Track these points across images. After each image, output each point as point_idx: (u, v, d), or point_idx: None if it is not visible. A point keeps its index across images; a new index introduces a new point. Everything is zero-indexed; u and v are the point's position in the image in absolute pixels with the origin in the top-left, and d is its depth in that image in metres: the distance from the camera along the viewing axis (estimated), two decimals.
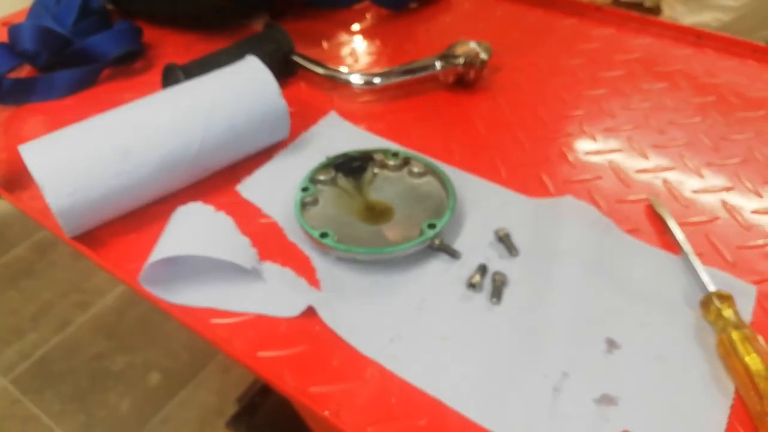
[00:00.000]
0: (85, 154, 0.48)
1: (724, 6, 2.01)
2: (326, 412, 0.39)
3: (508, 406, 0.40)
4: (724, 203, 0.55)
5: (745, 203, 0.55)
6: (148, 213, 0.53)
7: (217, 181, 0.56)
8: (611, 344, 0.43)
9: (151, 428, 1.18)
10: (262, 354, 0.43)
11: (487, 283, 0.48)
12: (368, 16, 0.86)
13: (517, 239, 0.51)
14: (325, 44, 0.79)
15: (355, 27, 0.84)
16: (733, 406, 0.40)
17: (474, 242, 0.51)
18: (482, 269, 0.48)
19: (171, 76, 0.62)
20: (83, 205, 0.47)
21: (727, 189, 0.56)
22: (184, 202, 0.52)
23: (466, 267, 0.49)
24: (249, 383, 1.14)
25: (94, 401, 1.22)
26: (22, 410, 1.21)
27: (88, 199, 0.47)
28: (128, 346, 1.31)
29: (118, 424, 1.18)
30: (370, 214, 0.52)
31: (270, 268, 0.48)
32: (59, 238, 0.51)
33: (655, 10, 2.22)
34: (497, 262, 0.49)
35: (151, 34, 0.80)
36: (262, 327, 0.45)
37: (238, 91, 0.54)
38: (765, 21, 2.02)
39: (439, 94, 0.69)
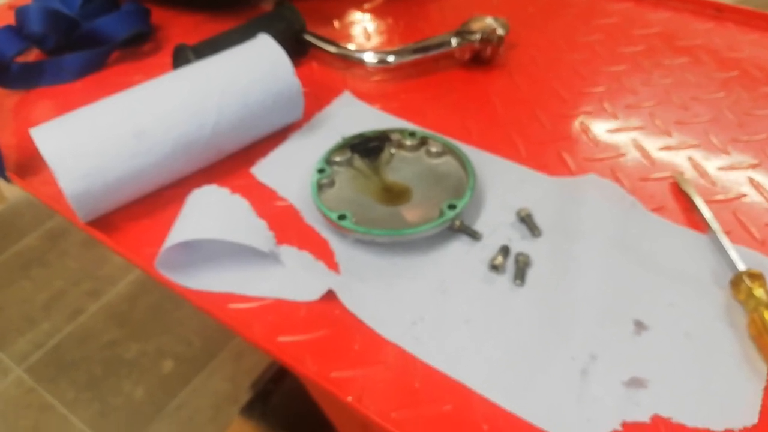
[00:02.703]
0: (98, 137, 0.47)
1: None
2: (349, 398, 0.38)
3: (534, 390, 0.39)
4: (751, 180, 0.53)
5: None
6: (163, 196, 0.52)
7: (231, 163, 0.55)
8: (639, 325, 0.42)
9: (166, 415, 1.18)
10: (282, 339, 0.42)
11: (510, 264, 0.46)
12: None
13: (539, 219, 0.49)
14: (336, 23, 0.77)
15: (367, 5, 0.82)
16: (766, 388, 0.39)
17: (495, 223, 0.50)
18: (504, 250, 0.47)
19: (181, 57, 0.61)
20: (97, 189, 0.46)
21: (754, 166, 0.55)
22: (198, 185, 0.51)
23: (487, 248, 0.48)
24: (262, 369, 1.14)
25: (108, 389, 1.22)
26: (37, 399, 1.22)
27: (102, 183, 0.46)
28: (141, 333, 1.31)
29: (133, 411, 1.19)
30: (388, 196, 0.51)
31: (288, 251, 0.47)
32: (72, 225, 0.50)
33: None
34: (519, 243, 0.48)
35: (159, 15, 0.78)
36: (282, 311, 0.44)
37: (251, 69, 0.52)
38: None
39: (454, 71, 0.68)
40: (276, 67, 0.53)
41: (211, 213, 0.47)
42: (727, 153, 0.56)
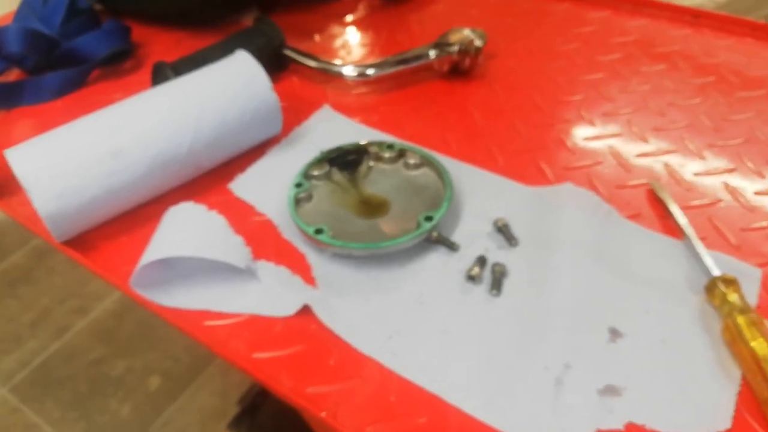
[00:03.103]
0: (73, 156, 0.47)
1: None
2: (323, 413, 0.38)
3: (509, 400, 0.39)
4: (727, 185, 0.54)
5: (748, 184, 0.54)
6: (140, 214, 0.52)
7: (209, 179, 0.55)
8: (614, 333, 0.42)
9: None
10: (257, 355, 0.42)
11: (487, 274, 0.47)
12: (360, 6, 0.85)
13: (516, 229, 0.50)
14: (317, 37, 0.78)
15: (347, 18, 0.82)
16: (740, 393, 0.39)
17: (472, 233, 0.50)
18: (481, 261, 0.47)
19: (160, 75, 0.61)
20: (72, 209, 0.46)
21: (730, 171, 0.55)
22: (176, 202, 0.51)
23: (465, 259, 0.48)
24: (250, 384, 1.13)
25: (94, 407, 1.21)
26: (22, 419, 1.20)
27: (77, 202, 0.46)
28: (127, 350, 1.30)
29: (119, 429, 1.17)
30: (366, 208, 0.51)
31: (264, 266, 0.47)
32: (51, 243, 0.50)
33: None
34: (496, 253, 0.48)
35: (140, 32, 0.79)
36: (258, 327, 0.44)
37: (229, 86, 0.52)
38: (762, 0, 2.01)
39: (434, 83, 0.68)
40: (253, 83, 0.53)
41: (187, 230, 0.46)
42: (703, 158, 0.57)
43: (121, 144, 0.47)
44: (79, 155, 0.46)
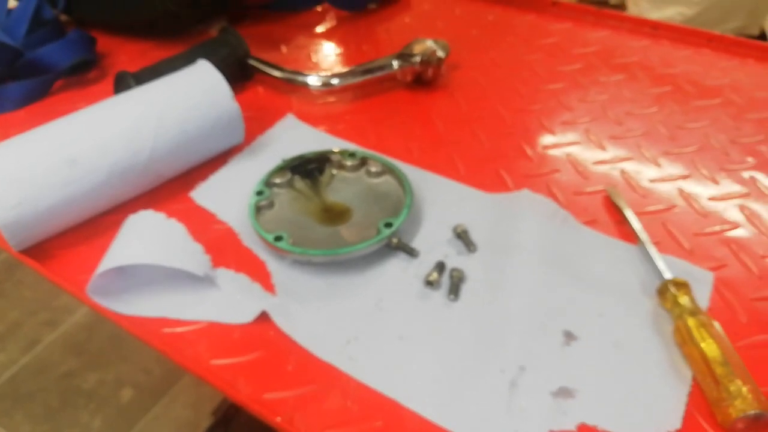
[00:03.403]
0: (30, 165, 0.46)
1: (688, 0, 2.04)
2: (278, 419, 0.38)
3: (464, 403, 0.39)
4: (681, 191, 0.55)
5: (702, 190, 0.55)
6: (100, 223, 0.52)
7: (170, 188, 0.55)
8: (569, 336, 0.43)
9: None
10: (215, 362, 0.42)
11: (445, 280, 0.47)
12: (328, 18, 0.86)
13: (475, 235, 0.50)
14: (284, 48, 0.78)
15: (315, 30, 0.83)
16: (690, 393, 0.40)
17: (432, 240, 0.50)
18: (440, 266, 0.48)
19: (122, 84, 0.61)
20: (29, 217, 0.46)
21: (684, 177, 0.57)
22: (136, 210, 0.50)
23: (424, 265, 0.48)
24: (224, 396, 1.12)
25: (65, 420, 1.19)
26: None
27: (35, 211, 0.46)
28: (99, 363, 1.29)
29: None
30: (328, 216, 0.52)
31: (224, 274, 0.47)
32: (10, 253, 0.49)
33: (621, 7, 2.25)
34: (455, 259, 0.49)
35: (106, 43, 0.78)
36: (216, 335, 0.44)
37: (189, 95, 0.53)
38: (728, 15, 2.06)
39: (398, 93, 0.69)
40: (214, 92, 0.54)
41: (145, 238, 0.47)
42: (658, 165, 0.58)
43: (79, 152, 0.47)
44: (35, 164, 0.46)
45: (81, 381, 1.26)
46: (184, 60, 0.62)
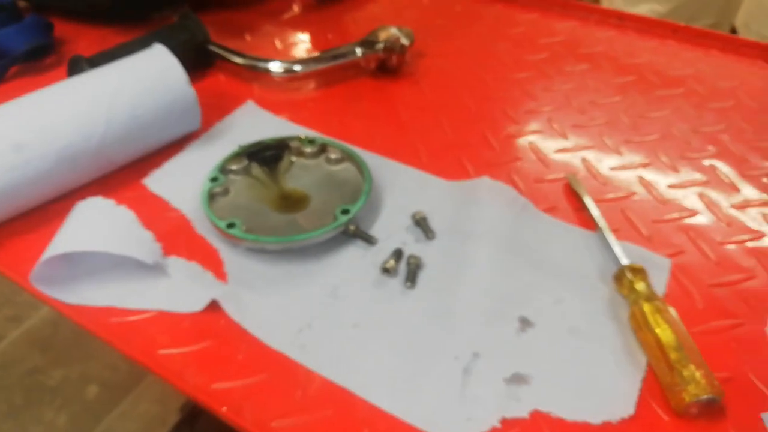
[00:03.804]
0: None
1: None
2: (224, 409, 0.37)
3: (417, 391, 0.39)
4: (641, 179, 0.55)
5: (662, 178, 0.55)
6: (48, 211, 0.50)
7: (124, 175, 0.54)
8: (524, 323, 0.43)
9: None
10: (163, 352, 0.41)
11: (403, 267, 0.46)
12: (294, 6, 0.84)
13: (434, 222, 0.50)
14: (248, 36, 0.77)
15: (281, 18, 0.82)
16: (645, 379, 0.40)
17: (391, 227, 0.50)
18: (397, 254, 0.47)
19: (76, 69, 0.59)
20: None
21: (644, 165, 0.57)
22: (86, 198, 0.49)
23: (382, 252, 0.48)
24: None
25: (29, 417, 1.17)
26: None
27: None
28: (64, 359, 1.26)
29: None
30: (286, 203, 0.51)
31: (175, 262, 0.46)
32: None
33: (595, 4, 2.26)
34: (413, 246, 0.48)
35: (64, 29, 0.76)
36: (165, 324, 0.42)
37: (142, 78, 0.51)
38: (699, 12, 2.08)
39: (362, 81, 0.68)
40: (168, 76, 0.52)
41: (93, 225, 0.45)
42: (619, 153, 0.58)
43: (25, 137, 0.46)
44: None
45: (46, 377, 1.23)
46: (141, 45, 0.60)
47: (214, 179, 0.51)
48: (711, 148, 0.59)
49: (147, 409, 1.18)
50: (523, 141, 0.59)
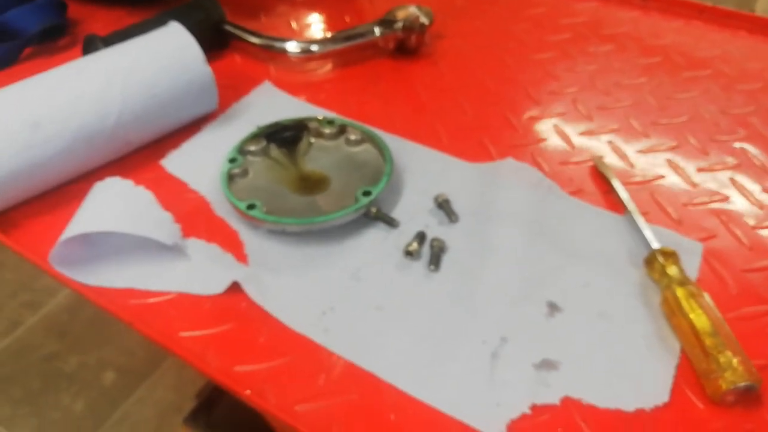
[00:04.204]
0: None
1: None
2: (248, 392, 0.36)
3: (444, 376, 0.38)
4: (670, 161, 0.54)
5: (691, 161, 0.54)
6: (66, 192, 0.50)
7: (141, 156, 0.53)
8: (553, 307, 0.42)
9: (108, 428, 1.14)
10: (184, 334, 0.40)
11: (426, 250, 0.45)
12: None
13: (457, 205, 0.49)
14: (263, 17, 0.76)
15: None
16: (679, 366, 0.38)
17: (413, 210, 0.49)
18: (420, 237, 0.46)
19: (91, 48, 0.58)
20: None
21: (672, 148, 0.55)
22: (104, 178, 0.48)
23: (404, 235, 0.47)
24: (207, 379, 1.11)
25: (46, 403, 1.17)
26: None
27: None
28: (81, 345, 1.26)
29: (73, 425, 1.14)
30: (305, 185, 0.50)
31: (194, 244, 0.45)
32: None
33: None
34: (436, 229, 0.47)
35: (78, 9, 0.75)
36: (185, 306, 0.42)
37: (159, 57, 0.50)
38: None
39: (380, 61, 0.67)
40: (185, 55, 0.51)
41: (111, 205, 0.44)
42: (647, 136, 0.56)
43: (41, 115, 0.45)
44: None
45: (62, 363, 1.23)
46: (156, 24, 0.59)
47: (232, 160, 0.50)
48: (741, 130, 0.57)
49: (163, 395, 1.18)
50: (547, 122, 0.58)
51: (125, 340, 1.27)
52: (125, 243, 0.44)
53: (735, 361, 0.36)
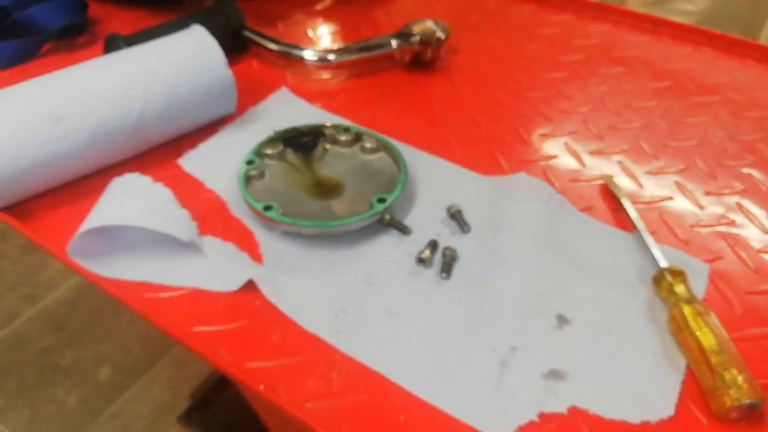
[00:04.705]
0: (11, 120, 0.45)
1: (684, 11, 2.05)
2: (261, 387, 0.37)
3: (453, 381, 0.38)
4: (678, 184, 0.54)
5: (699, 185, 0.55)
6: (85, 186, 0.50)
7: (159, 154, 0.54)
8: (561, 320, 0.42)
9: (101, 423, 1.14)
10: (197, 329, 0.41)
11: (438, 258, 0.46)
12: None
13: (469, 216, 0.49)
14: (280, 25, 0.77)
15: (313, 8, 0.82)
16: (684, 382, 0.39)
17: (426, 219, 0.49)
18: (433, 245, 0.47)
19: (113, 47, 0.59)
20: (9, 174, 0.45)
21: (681, 171, 0.56)
22: (122, 174, 0.49)
23: (416, 243, 0.47)
24: (203, 378, 1.11)
25: (40, 396, 1.17)
26: None
27: (15, 167, 0.45)
28: (78, 340, 1.26)
29: (66, 419, 1.14)
30: (320, 190, 0.51)
31: (210, 242, 0.46)
32: (10, 229, 0.48)
33: None
34: (448, 238, 0.48)
35: (98, 9, 0.77)
36: (200, 302, 0.42)
37: (181, 58, 0.51)
38: (724, 25, 2.06)
39: (395, 73, 0.68)
40: (207, 57, 0.52)
41: (130, 200, 0.45)
42: (656, 158, 0.57)
43: (63, 110, 0.46)
44: (17, 119, 0.45)
45: (59, 358, 1.23)
46: (178, 26, 0.60)
47: (250, 162, 0.51)
48: (749, 156, 0.58)
49: (158, 393, 1.18)
50: (558, 140, 0.59)
51: (123, 336, 1.27)
52: (142, 238, 0.45)
53: (740, 378, 0.37)
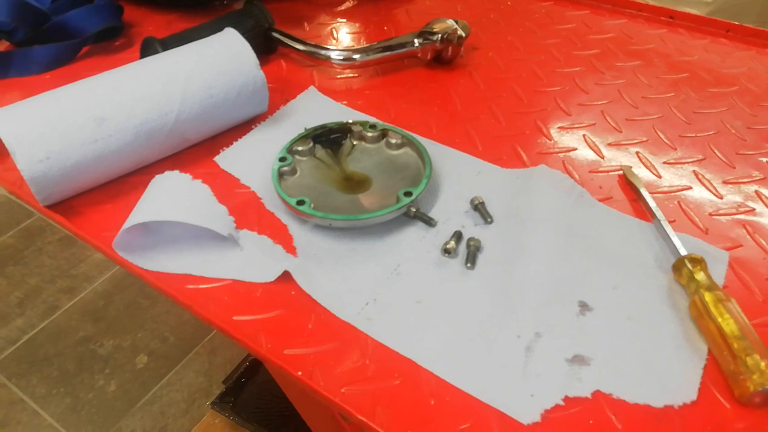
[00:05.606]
0: (58, 121, 0.48)
1: (698, 1, 2.02)
2: (299, 373, 0.40)
3: (480, 366, 0.40)
4: (696, 173, 0.56)
5: (717, 174, 0.56)
6: (126, 183, 0.53)
7: (195, 152, 0.57)
8: (584, 306, 0.44)
9: (138, 409, 1.18)
10: (237, 318, 0.43)
11: (462, 249, 0.48)
12: None
13: (492, 208, 0.51)
14: (306, 26, 0.79)
15: (337, 9, 0.84)
16: (706, 366, 0.40)
17: (450, 211, 0.52)
18: (457, 236, 0.49)
19: (149, 49, 0.62)
20: (56, 172, 0.47)
21: (699, 161, 0.57)
22: (161, 172, 0.52)
23: (441, 234, 0.50)
24: (235, 365, 1.15)
25: (80, 384, 1.22)
26: (6, 394, 1.21)
27: (62, 166, 0.47)
28: (116, 330, 1.31)
29: (105, 405, 1.19)
30: (348, 184, 0.53)
31: (247, 235, 0.48)
32: (49, 224, 0.51)
33: None
34: (472, 230, 0.50)
35: (132, 12, 0.80)
36: (238, 292, 0.45)
37: (216, 61, 0.54)
38: (737, 16, 2.04)
39: (417, 71, 0.70)
40: (240, 59, 0.55)
41: (171, 197, 0.48)
42: (674, 148, 0.59)
43: (106, 111, 0.49)
44: (63, 120, 0.47)
45: (97, 347, 1.28)
46: (210, 29, 0.63)
47: (282, 159, 0.53)
48: (766, 146, 0.59)
49: (193, 380, 1.22)
50: (577, 132, 0.61)
51: (159, 325, 1.32)
52: (183, 232, 0.48)
53: (763, 364, 0.38)
